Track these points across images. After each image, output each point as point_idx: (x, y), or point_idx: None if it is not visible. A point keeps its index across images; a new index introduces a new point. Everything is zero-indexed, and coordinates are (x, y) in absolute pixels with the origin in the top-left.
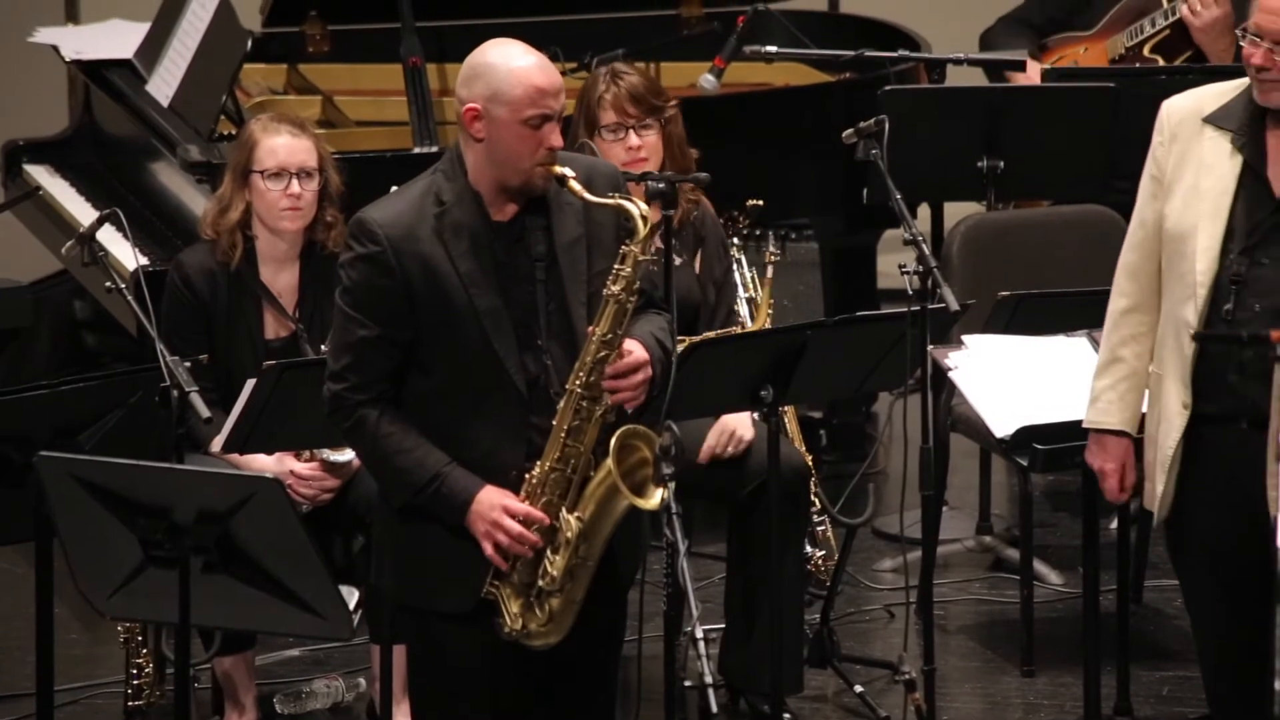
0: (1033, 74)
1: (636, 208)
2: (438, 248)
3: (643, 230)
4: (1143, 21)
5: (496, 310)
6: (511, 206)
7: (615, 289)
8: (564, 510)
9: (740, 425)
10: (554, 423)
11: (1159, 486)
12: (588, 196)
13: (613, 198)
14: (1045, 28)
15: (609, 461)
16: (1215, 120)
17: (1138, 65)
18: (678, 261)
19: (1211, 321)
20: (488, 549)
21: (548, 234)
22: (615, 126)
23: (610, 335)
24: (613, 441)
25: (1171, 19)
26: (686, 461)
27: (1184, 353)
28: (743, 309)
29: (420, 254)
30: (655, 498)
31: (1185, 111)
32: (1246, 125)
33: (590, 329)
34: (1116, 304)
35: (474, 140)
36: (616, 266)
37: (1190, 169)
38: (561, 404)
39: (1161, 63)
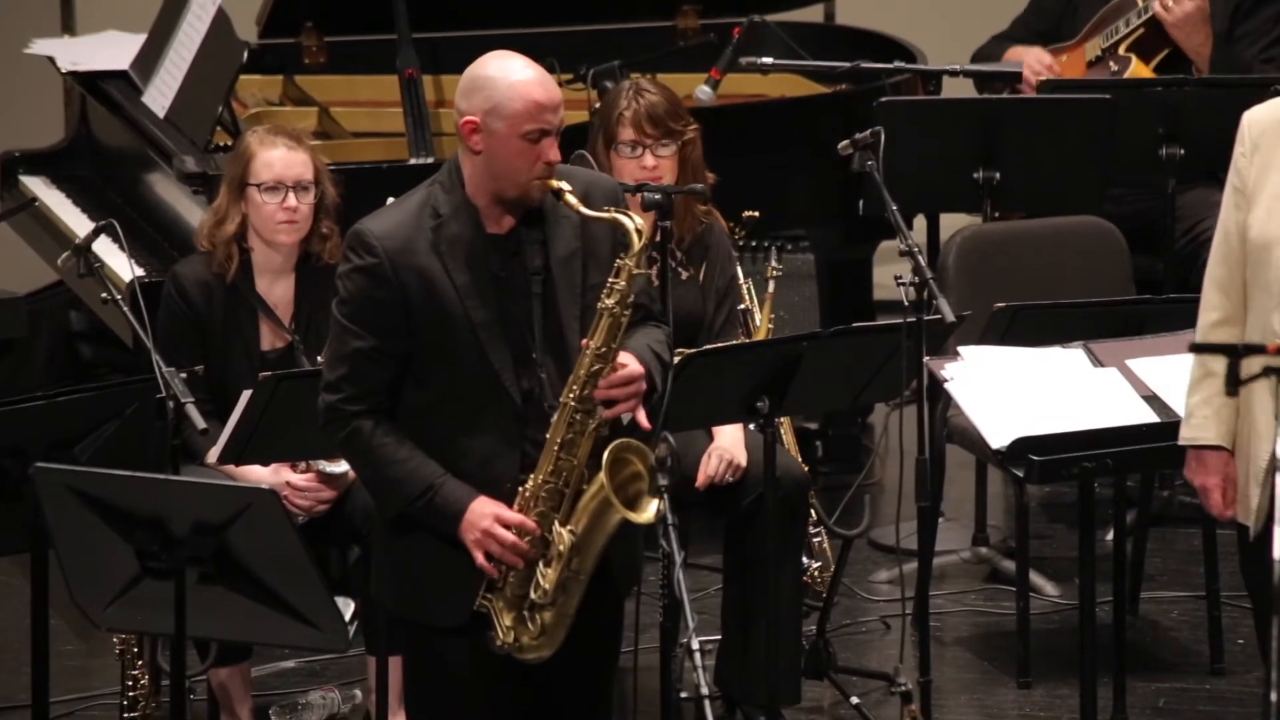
0: (1038, 62)
1: (632, 222)
2: (434, 260)
3: (638, 244)
4: (1117, 23)
5: (492, 323)
6: (508, 219)
7: (609, 303)
8: (557, 523)
9: (736, 451)
10: (547, 436)
11: (1253, 500)
12: (584, 210)
13: (608, 211)
14: (1035, 43)
15: (602, 475)
16: None
17: (1113, 66)
18: (684, 276)
19: None
20: (479, 558)
21: (544, 247)
22: (633, 144)
23: (604, 349)
24: (606, 455)
25: (1145, 17)
26: (683, 474)
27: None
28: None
29: (417, 266)
30: (648, 512)
31: (1267, 121)
32: None
33: (584, 342)
34: (1206, 317)
35: (472, 153)
36: (611, 280)
37: (1273, 178)
38: (555, 417)
39: (1136, 60)
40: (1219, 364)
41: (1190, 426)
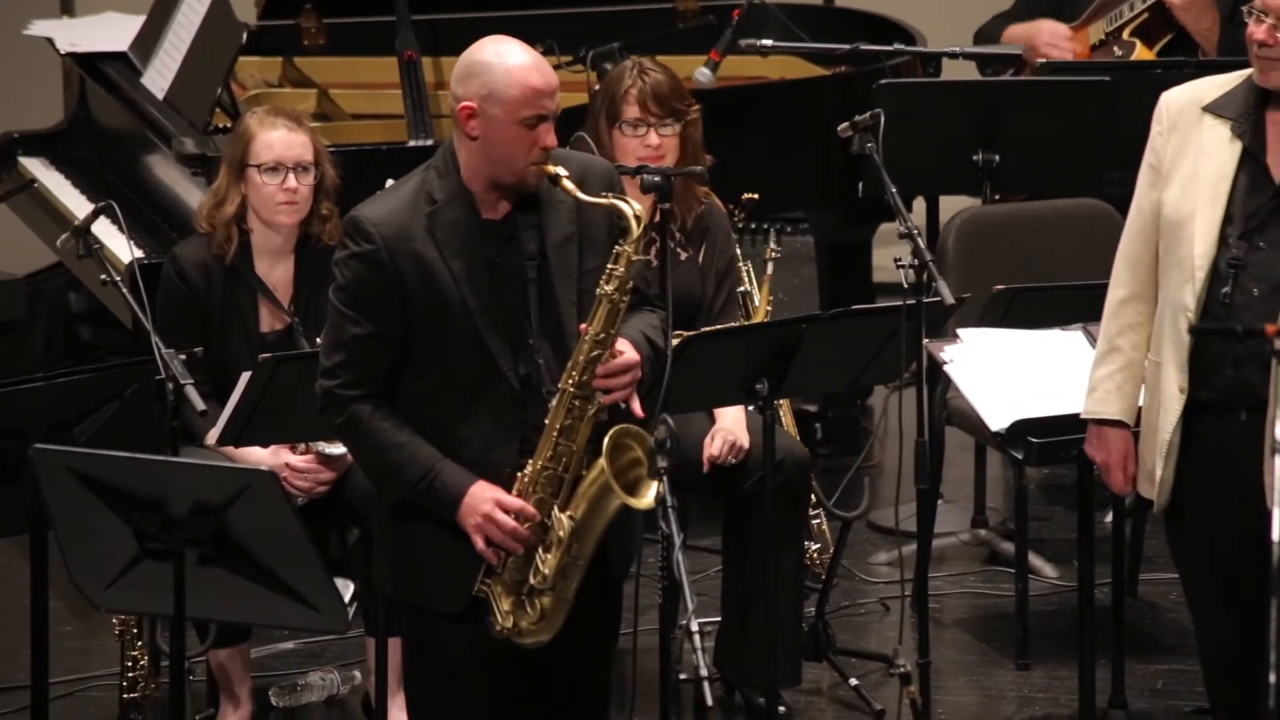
0: (1054, 37)
1: (630, 207)
2: (430, 247)
3: (636, 230)
4: (1121, 6)
5: (489, 309)
6: (504, 204)
7: (608, 288)
8: (556, 509)
9: (739, 432)
10: (546, 421)
11: (1158, 473)
12: (581, 196)
13: (606, 197)
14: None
15: (602, 461)
16: (1215, 109)
17: (1117, 50)
18: (683, 257)
19: (1209, 305)
20: (479, 543)
21: (539, 232)
22: (637, 122)
23: (603, 335)
24: (606, 441)
25: (1149, 2)
26: (682, 456)
27: (1181, 338)
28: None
29: (414, 252)
30: (648, 497)
31: (1184, 101)
32: (1246, 113)
33: (583, 328)
34: (1114, 294)
35: (468, 138)
36: (610, 266)
37: (1189, 157)
38: (554, 403)
39: (1140, 45)
40: (1125, 340)
41: (1093, 400)
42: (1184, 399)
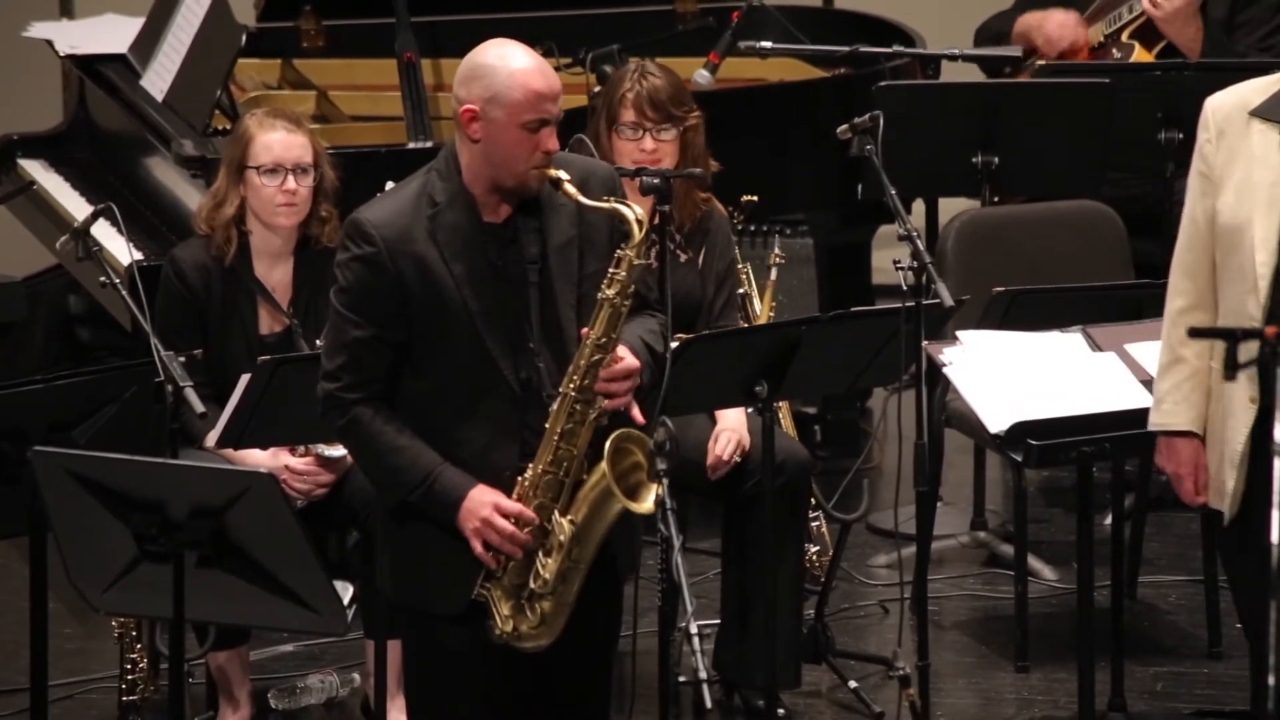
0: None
1: (632, 211)
2: (431, 249)
3: (638, 234)
4: (1120, 9)
5: (489, 311)
6: (505, 207)
7: (610, 293)
8: (556, 513)
9: (742, 431)
10: (547, 426)
11: (1229, 483)
12: (582, 200)
13: (607, 201)
14: None
15: (603, 465)
16: (1262, 113)
17: (1116, 53)
18: (682, 259)
19: (1274, 312)
20: (477, 547)
21: (540, 236)
22: (633, 126)
23: (605, 339)
24: (607, 445)
25: None
26: (682, 459)
27: (1249, 345)
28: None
29: (415, 255)
30: (648, 502)
31: (1230, 107)
32: None
33: (584, 332)
34: (1174, 304)
35: (470, 141)
36: (611, 270)
37: (1240, 163)
38: (555, 407)
39: (1139, 47)
40: (1188, 350)
41: (1160, 413)
42: (1255, 409)
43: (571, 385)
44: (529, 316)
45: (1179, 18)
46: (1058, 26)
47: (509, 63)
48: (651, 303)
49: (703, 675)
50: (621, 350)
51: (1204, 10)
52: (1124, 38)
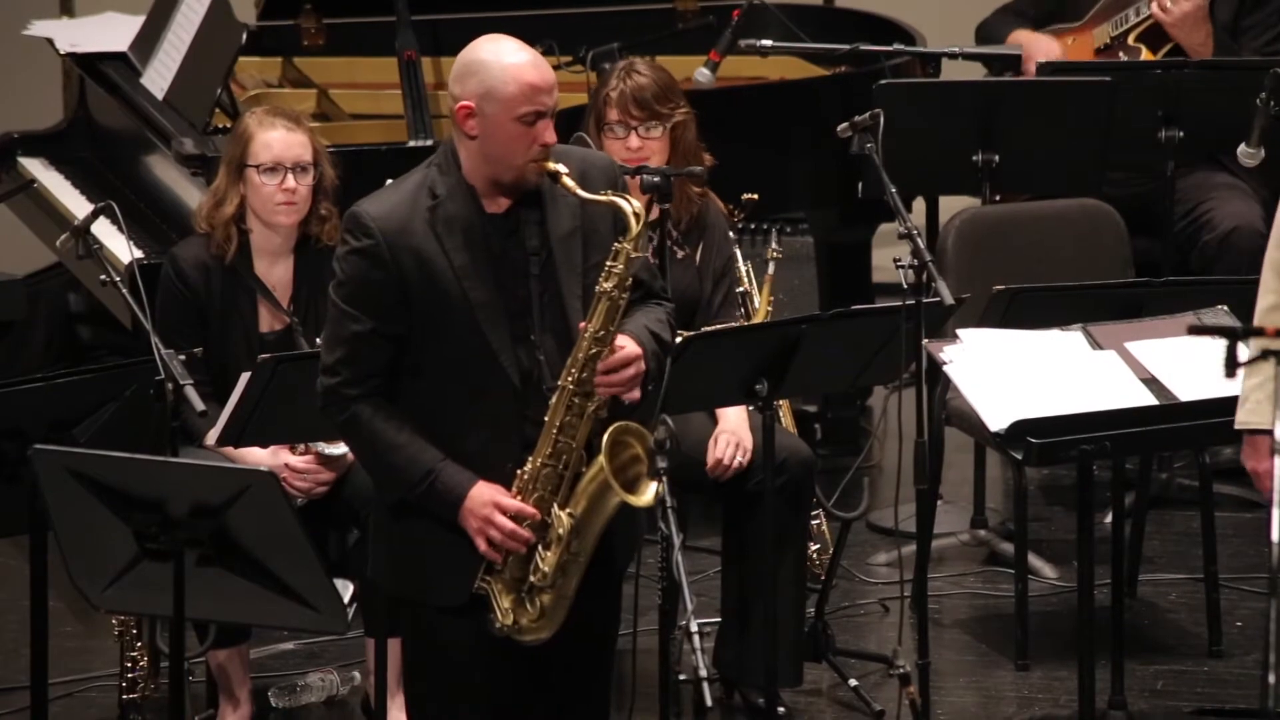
0: (1037, 49)
1: (630, 204)
2: (431, 241)
3: (636, 228)
4: (1127, 11)
5: (490, 303)
6: (505, 200)
7: (608, 286)
8: (556, 506)
9: (743, 434)
10: (546, 419)
11: None
12: (581, 193)
13: (606, 194)
14: (1039, 19)
15: (601, 458)
16: None
17: (1122, 56)
18: (680, 255)
19: None
20: (481, 545)
21: (542, 227)
22: (618, 125)
23: (603, 332)
24: (605, 438)
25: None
26: (682, 457)
27: None
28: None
29: (414, 247)
30: (647, 495)
31: None
32: None
33: (582, 325)
34: (1264, 300)
35: (467, 137)
36: (609, 263)
37: None
38: (554, 400)
39: (1145, 50)
40: (1277, 345)
41: (1245, 411)
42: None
43: (570, 379)
44: (530, 308)
45: (1189, 22)
46: (1041, 56)
47: (502, 57)
48: (658, 291)
49: (703, 673)
50: (621, 339)
51: (1210, 14)
52: (1130, 40)
